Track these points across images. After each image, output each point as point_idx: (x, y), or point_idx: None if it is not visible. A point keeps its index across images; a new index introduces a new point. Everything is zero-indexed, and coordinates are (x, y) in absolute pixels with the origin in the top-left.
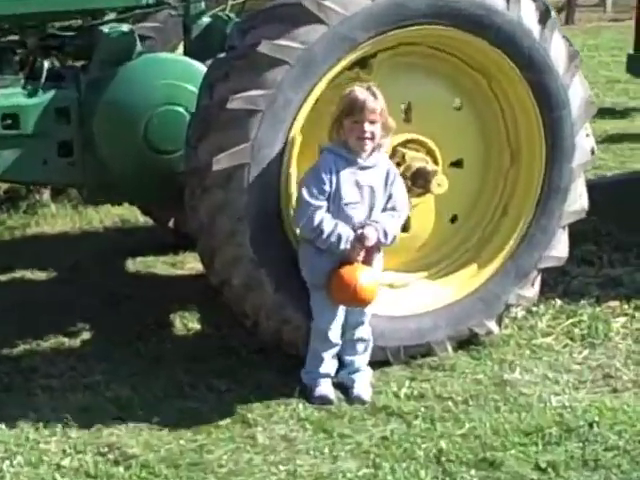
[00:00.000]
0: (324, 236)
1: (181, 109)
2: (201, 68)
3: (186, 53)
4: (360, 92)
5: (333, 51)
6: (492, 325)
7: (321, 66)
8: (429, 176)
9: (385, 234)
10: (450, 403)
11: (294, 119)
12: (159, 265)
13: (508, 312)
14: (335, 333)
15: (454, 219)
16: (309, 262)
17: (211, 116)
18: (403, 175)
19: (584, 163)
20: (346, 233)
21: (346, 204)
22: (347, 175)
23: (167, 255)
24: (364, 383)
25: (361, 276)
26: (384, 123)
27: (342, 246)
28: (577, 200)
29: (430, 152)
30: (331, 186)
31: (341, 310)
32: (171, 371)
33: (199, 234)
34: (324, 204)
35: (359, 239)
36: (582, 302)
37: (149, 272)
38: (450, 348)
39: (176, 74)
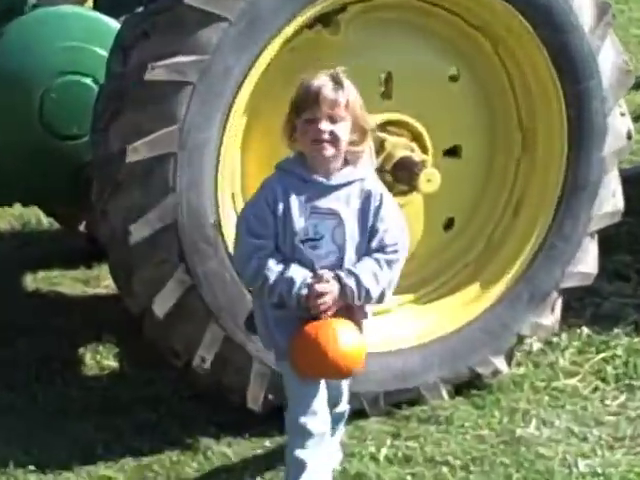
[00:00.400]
0: (270, 283)
1: (88, 80)
2: (114, 26)
3: (96, 7)
4: (317, 79)
5: (286, 3)
6: (500, 363)
7: (271, 23)
8: (416, 169)
9: (361, 288)
10: (445, 469)
11: (236, 94)
12: (67, 282)
13: (521, 346)
14: (318, 421)
15: (449, 224)
16: (262, 322)
17: (125, 89)
18: (381, 168)
19: (618, 150)
20: (300, 276)
21: (302, 242)
22: (301, 201)
23: (77, 269)
24: (333, 443)
25: (332, 332)
26: (356, 123)
27: (294, 292)
28: (609, 199)
29: (417, 137)
30: (276, 218)
31: (322, 388)
32: (79, 426)
33: (110, 246)
34: (268, 243)
35: (318, 282)
36: (616, 330)
37: (53, 291)
38: (445, 394)
39: (81, 34)
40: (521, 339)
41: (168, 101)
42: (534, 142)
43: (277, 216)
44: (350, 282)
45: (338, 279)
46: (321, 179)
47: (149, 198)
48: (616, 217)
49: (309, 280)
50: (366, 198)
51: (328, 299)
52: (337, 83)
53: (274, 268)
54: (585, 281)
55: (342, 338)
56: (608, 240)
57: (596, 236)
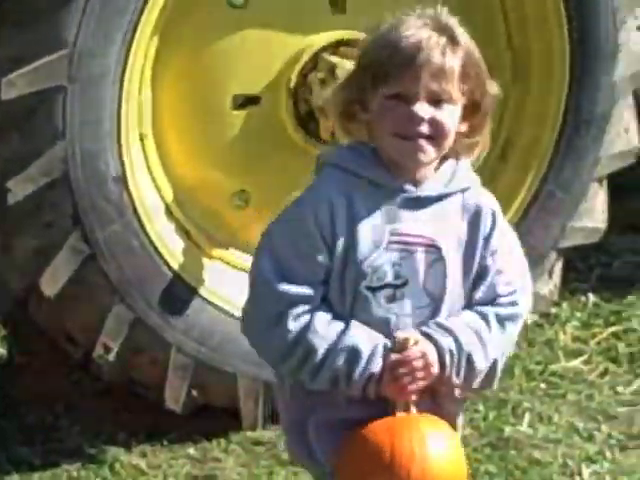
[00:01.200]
0: (318, 357)
1: None
2: None
3: None
4: (411, 26)
5: None
6: None
7: None
8: None
9: (462, 353)
10: None
11: (142, 9)
12: None
13: None
14: None
15: None
16: (291, 424)
17: None
18: None
19: (633, 74)
20: (370, 342)
21: (373, 289)
22: (377, 221)
23: None
24: None
25: (418, 436)
26: (474, 102)
27: (361, 369)
28: (621, 135)
29: None
30: (332, 250)
31: None
32: None
33: None
34: (312, 293)
35: (399, 350)
36: (630, 298)
37: None
38: None
39: None
40: None
41: (53, 19)
42: (527, 65)
43: (332, 247)
44: (445, 341)
45: (428, 338)
46: (407, 185)
47: (31, 145)
48: (630, 158)
49: (379, 349)
50: (473, 219)
51: (420, 373)
52: (449, 38)
53: (326, 332)
54: (591, 238)
55: (436, 449)
56: (620, 186)
57: (605, 182)
